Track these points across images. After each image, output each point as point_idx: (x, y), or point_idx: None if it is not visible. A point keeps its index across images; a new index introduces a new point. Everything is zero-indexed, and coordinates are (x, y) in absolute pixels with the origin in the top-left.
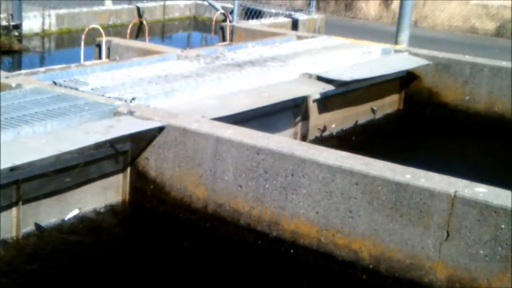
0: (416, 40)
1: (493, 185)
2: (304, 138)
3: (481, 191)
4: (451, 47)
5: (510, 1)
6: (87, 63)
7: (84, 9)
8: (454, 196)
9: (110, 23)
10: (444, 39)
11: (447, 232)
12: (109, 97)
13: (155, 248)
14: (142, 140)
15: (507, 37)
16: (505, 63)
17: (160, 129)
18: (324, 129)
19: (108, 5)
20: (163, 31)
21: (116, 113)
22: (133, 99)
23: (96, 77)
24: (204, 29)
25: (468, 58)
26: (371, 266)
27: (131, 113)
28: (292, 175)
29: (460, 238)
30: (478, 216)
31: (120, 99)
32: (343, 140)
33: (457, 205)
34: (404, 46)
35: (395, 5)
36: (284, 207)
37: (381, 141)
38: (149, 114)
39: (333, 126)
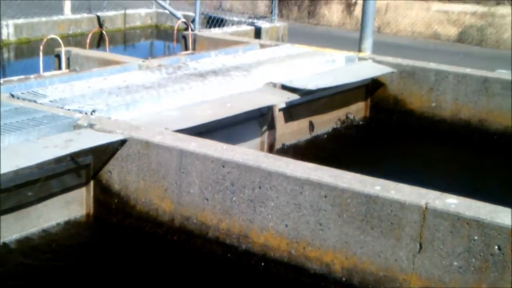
0: (379, 47)
1: (462, 192)
2: (271, 147)
3: (452, 202)
4: (415, 53)
5: (470, 7)
6: (46, 74)
7: (43, 19)
8: (426, 208)
9: (70, 32)
10: (407, 45)
11: (420, 244)
12: (69, 110)
13: (121, 263)
14: (104, 153)
15: (468, 43)
16: (469, 70)
17: (122, 142)
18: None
19: (68, 14)
20: (125, 40)
21: (76, 126)
22: (94, 111)
23: (55, 89)
24: (166, 37)
25: (432, 65)
26: (344, 279)
27: (91, 126)
28: (260, 187)
29: (433, 250)
30: (451, 227)
31: (80, 112)
32: (311, 149)
33: (429, 217)
34: (368, 54)
35: (358, 11)
36: (253, 220)
37: (349, 150)
38: (110, 127)
39: (301, 134)
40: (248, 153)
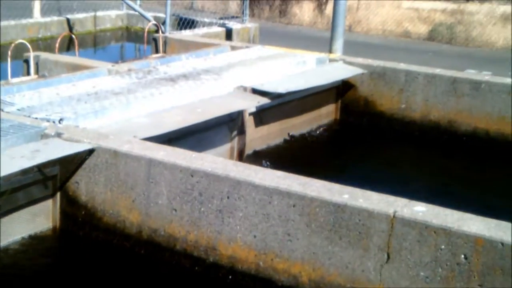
0: (351, 46)
1: (431, 195)
2: (241, 153)
3: (420, 210)
4: (386, 52)
5: (440, 4)
6: (15, 80)
7: (12, 22)
8: (394, 216)
9: (40, 36)
10: (378, 44)
11: (388, 254)
12: (36, 118)
13: (88, 277)
14: (72, 163)
15: (439, 41)
16: (438, 70)
17: (90, 152)
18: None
19: (37, 17)
20: (95, 43)
21: (44, 136)
22: (61, 120)
23: (22, 96)
24: (137, 39)
25: (402, 66)
26: None
27: (59, 135)
28: (228, 197)
29: (400, 260)
30: (418, 236)
31: (47, 120)
32: (281, 153)
33: (397, 226)
34: (338, 55)
35: (329, 10)
36: (221, 231)
37: (320, 154)
38: (78, 136)
39: (271, 138)
40: (217, 161)
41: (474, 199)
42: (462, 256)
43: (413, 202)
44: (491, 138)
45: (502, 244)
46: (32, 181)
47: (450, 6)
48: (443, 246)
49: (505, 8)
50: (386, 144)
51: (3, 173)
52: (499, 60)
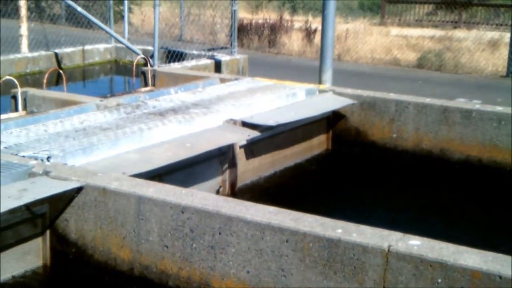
0: (340, 75)
1: (426, 226)
2: (233, 185)
3: (415, 244)
4: (375, 80)
5: (429, 31)
6: (3, 116)
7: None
8: (388, 250)
9: (28, 71)
10: (368, 73)
11: None
12: (24, 156)
13: None
14: (60, 201)
15: (428, 68)
16: (429, 100)
17: (79, 190)
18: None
19: (25, 52)
20: (84, 77)
21: (31, 174)
22: (49, 157)
23: (9, 134)
24: (126, 72)
25: (392, 95)
26: None
27: (46, 173)
28: (220, 233)
29: None
30: (414, 270)
31: (35, 158)
32: (274, 185)
33: (392, 260)
34: (328, 86)
35: (318, 39)
36: (214, 267)
37: (312, 185)
38: (66, 174)
39: (263, 170)
40: (207, 198)
41: (470, 230)
42: None
43: (408, 236)
44: (484, 166)
45: (500, 277)
46: (21, 220)
47: (438, 33)
48: (439, 280)
49: (492, 34)
50: (378, 174)
51: None
52: (489, 87)
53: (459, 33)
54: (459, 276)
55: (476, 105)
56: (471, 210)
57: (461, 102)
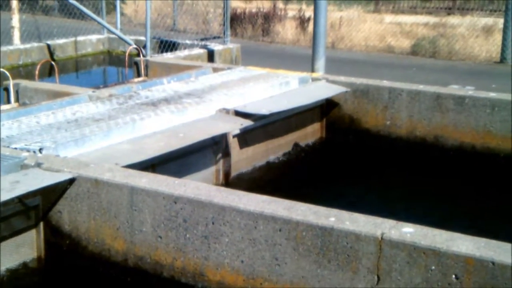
0: (334, 63)
1: (421, 213)
2: (227, 175)
3: (408, 231)
4: (369, 68)
5: (422, 18)
6: None
7: None
8: (381, 238)
9: (21, 62)
10: (361, 60)
11: (378, 276)
12: (16, 148)
13: None
14: (53, 193)
15: (422, 55)
16: (422, 87)
17: (71, 181)
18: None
19: (17, 44)
20: (77, 68)
21: (23, 166)
22: (41, 149)
23: (2, 126)
24: (119, 63)
25: (386, 83)
26: None
27: (38, 165)
28: (213, 223)
29: (391, 281)
30: (407, 258)
31: (27, 150)
32: (268, 174)
33: (385, 248)
34: (321, 74)
35: (312, 28)
36: (208, 257)
37: (307, 174)
38: (58, 165)
39: (257, 159)
40: (200, 187)
41: (464, 215)
42: (453, 276)
43: (401, 224)
44: (478, 152)
45: (493, 263)
46: (14, 212)
47: (432, 19)
48: (433, 267)
49: (486, 21)
50: (372, 161)
51: None
52: (483, 73)
53: (453, 19)
54: (452, 263)
55: (469, 91)
56: (466, 196)
57: (454, 89)
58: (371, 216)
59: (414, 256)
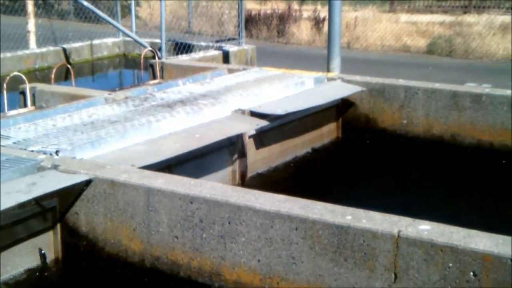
0: (349, 63)
1: (438, 211)
2: (243, 175)
3: (425, 229)
4: (385, 68)
5: (438, 17)
6: (11, 113)
7: (8, 54)
8: (398, 236)
9: (37, 66)
10: (377, 60)
11: (395, 274)
12: (32, 151)
13: None
14: (70, 194)
15: (438, 54)
16: (438, 85)
17: (88, 182)
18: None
19: (33, 48)
20: (93, 71)
21: (40, 168)
22: (58, 151)
23: (18, 129)
24: (134, 66)
25: (401, 82)
26: None
27: (55, 167)
28: (229, 223)
29: (408, 279)
30: (425, 255)
31: (44, 153)
32: (285, 174)
33: (402, 246)
34: (336, 74)
35: (327, 28)
36: (224, 257)
37: (324, 173)
38: (75, 167)
39: (272, 160)
40: (216, 187)
41: (482, 214)
42: (471, 273)
43: (418, 221)
44: (496, 150)
45: (511, 260)
46: (31, 214)
47: (448, 18)
48: (450, 264)
49: (503, 18)
50: (389, 160)
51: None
52: (500, 71)
53: (469, 18)
54: (470, 260)
55: (486, 89)
56: (484, 194)
57: (470, 87)
58: (387, 214)
59: (432, 254)
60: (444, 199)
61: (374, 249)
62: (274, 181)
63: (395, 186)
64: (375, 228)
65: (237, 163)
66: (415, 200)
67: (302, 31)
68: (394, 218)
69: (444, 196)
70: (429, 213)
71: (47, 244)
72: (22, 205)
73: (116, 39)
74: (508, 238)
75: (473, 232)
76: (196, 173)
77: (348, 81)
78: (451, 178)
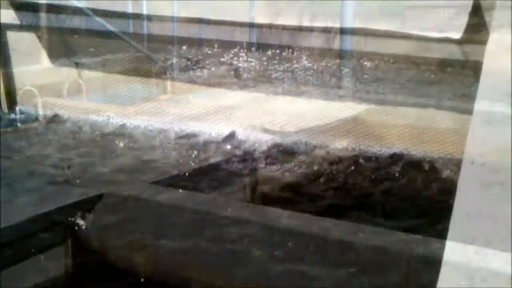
0: None
1: None
2: None
3: None
4: None
5: None
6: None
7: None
8: None
9: (49, 81)
10: None
11: None
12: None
13: None
14: (81, 208)
15: None
16: None
17: (100, 196)
18: None
19: (45, 63)
20: (105, 86)
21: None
22: (69, 166)
23: None
24: (146, 81)
25: None
26: None
27: (67, 181)
28: None
29: None
30: None
31: (56, 167)
32: None
33: None
34: None
35: None
36: None
37: None
38: (87, 181)
39: None
40: None
41: None
42: None
43: None
44: None
45: None
46: (41, 228)
47: None
48: None
49: None
50: None
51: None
52: None
53: None
54: None
55: None
56: None
57: None
58: None
59: None
60: None
61: None
62: None
63: None
64: None
65: None
66: None
67: None
68: None
69: None
70: None
71: (57, 259)
72: (32, 219)
73: (128, 54)
74: None
75: None
76: None
77: None
78: None
